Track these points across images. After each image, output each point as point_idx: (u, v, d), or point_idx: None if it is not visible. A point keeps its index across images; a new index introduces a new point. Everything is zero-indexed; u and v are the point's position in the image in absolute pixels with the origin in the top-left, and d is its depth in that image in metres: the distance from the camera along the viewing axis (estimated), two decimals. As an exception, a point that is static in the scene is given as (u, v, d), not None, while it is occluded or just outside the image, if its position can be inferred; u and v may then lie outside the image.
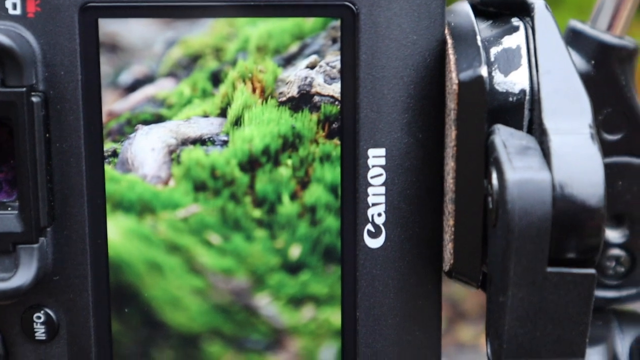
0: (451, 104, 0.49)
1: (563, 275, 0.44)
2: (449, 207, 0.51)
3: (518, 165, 0.44)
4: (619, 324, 0.60)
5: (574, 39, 0.59)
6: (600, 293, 0.60)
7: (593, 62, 0.58)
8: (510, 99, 0.49)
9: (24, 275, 0.51)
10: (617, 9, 0.59)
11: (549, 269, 0.44)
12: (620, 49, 0.58)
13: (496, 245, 0.45)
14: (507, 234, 0.43)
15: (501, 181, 0.44)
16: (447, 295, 1.32)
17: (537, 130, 0.47)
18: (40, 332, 0.54)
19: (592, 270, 0.44)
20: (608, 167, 0.58)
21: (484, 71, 0.48)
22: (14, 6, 0.51)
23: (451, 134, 0.50)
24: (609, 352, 0.59)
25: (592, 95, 0.58)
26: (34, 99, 0.50)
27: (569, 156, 0.44)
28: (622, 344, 0.59)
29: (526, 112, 0.49)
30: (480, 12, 0.54)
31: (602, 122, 0.59)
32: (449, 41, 0.50)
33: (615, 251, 0.60)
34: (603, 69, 0.58)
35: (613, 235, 0.60)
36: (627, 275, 0.61)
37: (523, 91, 0.49)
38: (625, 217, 0.60)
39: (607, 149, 0.59)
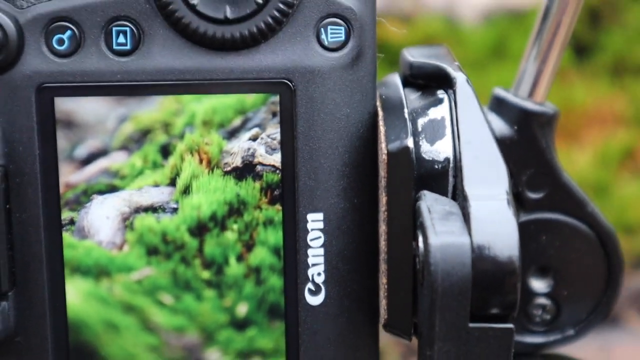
0: (382, 172, 0.51)
1: (484, 330, 0.46)
2: (382, 267, 0.52)
3: (440, 230, 0.46)
4: (542, 367, 0.63)
5: (498, 106, 0.60)
6: (529, 339, 0.62)
7: (516, 127, 0.60)
8: (436, 166, 0.51)
9: None
10: (537, 77, 0.61)
11: (471, 325, 0.46)
12: (540, 114, 0.60)
13: (423, 303, 0.47)
14: (432, 293, 0.45)
15: (425, 245, 0.46)
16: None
17: (460, 196, 0.49)
18: None
19: (510, 325, 0.47)
20: (532, 223, 0.62)
21: (410, 142, 0.50)
22: None
23: (382, 199, 0.51)
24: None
25: (516, 157, 0.61)
26: None
27: (486, 221, 0.46)
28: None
29: (450, 179, 0.51)
30: (409, 83, 0.56)
31: (525, 182, 0.60)
32: (380, 113, 0.53)
33: (542, 300, 0.62)
34: (525, 134, 0.60)
35: (539, 285, 0.62)
36: (552, 322, 0.62)
37: (447, 159, 0.51)
38: (550, 268, 0.61)
39: (531, 206, 0.61)
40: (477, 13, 1.39)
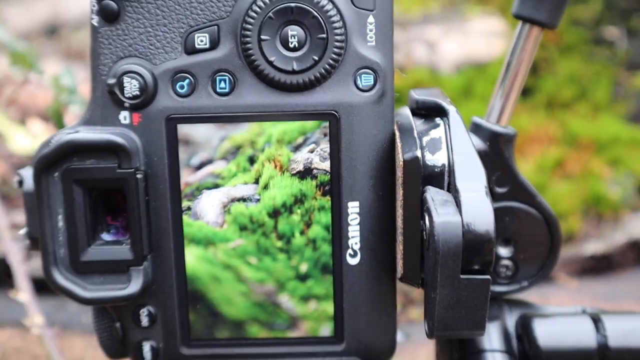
0: (399, 173, 0.53)
1: (470, 280, 0.48)
2: (399, 238, 0.54)
3: (441, 212, 0.48)
4: (508, 307, 0.64)
5: (476, 129, 0.62)
6: (496, 288, 0.64)
7: (488, 143, 0.61)
8: (436, 169, 0.52)
9: (133, 287, 0.54)
10: (502, 109, 0.63)
11: (462, 276, 0.48)
12: (504, 135, 0.61)
13: (429, 262, 0.49)
14: (435, 255, 0.47)
15: (431, 222, 0.48)
16: (402, 289, 1.34)
17: (453, 190, 0.51)
18: (144, 321, 0.57)
19: (488, 276, 0.48)
20: (499, 209, 0.63)
21: (418, 153, 0.52)
22: (125, 118, 0.54)
23: (400, 192, 0.53)
24: (502, 325, 0.62)
25: (487, 164, 0.61)
26: (138, 176, 0.53)
27: (472, 206, 0.48)
28: (510, 320, 0.62)
29: (446, 178, 0.52)
30: (416, 113, 0.57)
31: (494, 181, 0.62)
32: (397, 133, 0.54)
33: (505, 262, 0.63)
34: (494, 148, 0.61)
35: (503, 251, 0.63)
36: (512, 277, 0.64)
37: (444, 165, 0.52)
38: (511, 240, 0.63)
39: (498, 197, 0.62)
40: (451, 65, 1.40)
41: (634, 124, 1.27)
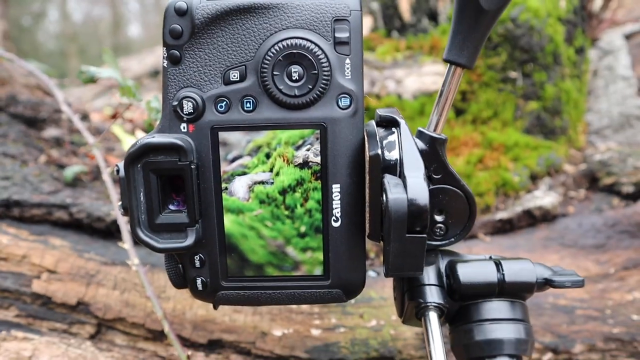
0: (367, 165, 0.51)
1: (413, 238, 0.47)
2: (367, 209, 0.53)
3: (393, 191, 0.46)
4: (441, 255, 0.62)
5: (420, 135, 0.59)
6: (433, 243, 0.62)
7: (428, 145, 0.59)
8: (391, 162, 0.51)
9: (189, 241, 0.53)
10: (437, 121, 0.61)
11: (407, 235, 0.46)
12: (439, 139, 0.59)
13: (385, 225, 0.47)
14: (389, 221, 0.46)
15: (386, 198, 0.46)
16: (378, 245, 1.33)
17: (402, 177, 0.49)
18: (197, 263, 0.56)
19: (424, 235, 0.47)
20: (436, 189, 0.61)
21: (379, 151, 0.50)
22: (184, 127, 0.53)
23: (367, 178, 0.52)
24: (436, 268, 0.60)
25: (427, 159, 0.60)
26: (192, 166, 0.52)
27: (414, 187, 0.47)
28: (442, 264, 0.61)
29: (398, 169, 0.51)
30: (379, 124, 0.55)
31: (432, 170, 0.60)
32: (366, 138, 0.52)
33: (439, 225, 0.61)
34: (432, 148, 0.59)
35: (438, 218, 0.61)
36: (444, 235, 0.62)
37: (396, 159, 0.51)
38: (443, 210, 0.61)
39: (434, 182, 0.60)
40: (410, 94, 1.38)
41: (528, 134, 1.25)
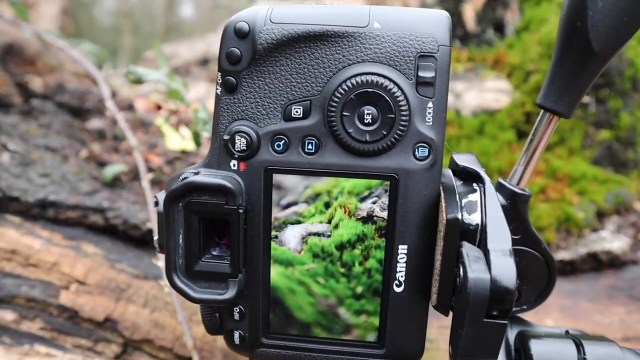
0: (442, 228, 0.44)
1: (491, 323, 0.39)
2: (436, 277, 0.45)
3: (474, 268, 0.39)
4: (510, 324, 0.54)
5: (500, 187, 0.53)
6: (504, 310, 0.55)
7: (508, 200, 0.52)
8: (471, 227, 0.43)
9: (229, 294, 0.47)
10: (522, 174, 0.53)
11: (485, 320, 0.39)
12: (522, 195, 0.52)
13: (459, 304, 0.40)
14: (466, 302, 0.39)
15: (465, 275, 0.39)
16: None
17: (483, 247, 0.41)
18: (236, 316, 0.49)
19: (505, 322, 0.40)
20: (515, 251, 0.53)
21: (459, 215, 0.43)
22: (234, 165, 0.46)
23: (440, 243, 0.44)
24: (505, 339, 0.53)
25: (507, 217, 0.52)
26: (240, 211, 0.45)
27: (499, 265, 0.39)
28: (511, 334, 0.53)
29: (478, 235, 0.43)
30: (456, 173, 0.48)
31: (511, 230, 0.52)
32: (442, 194, 0.45)
33: (513, 291, 0.54)
34: (513, 205, 0.52)
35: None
36: (516, 301, 0.55)
37: (477, 225, 0.43)
38: (519, 274, 0.54)
39: (514, 242, 0.53)
40: (470, 110, 1.29)
41: (596, 165, 1.14)
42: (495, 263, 0.40)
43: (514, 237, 0.52)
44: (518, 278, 0.53)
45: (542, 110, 0.52)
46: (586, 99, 1.20)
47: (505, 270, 0.39)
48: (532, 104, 1.24)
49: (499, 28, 1.47)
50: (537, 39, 1.30)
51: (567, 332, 0.54)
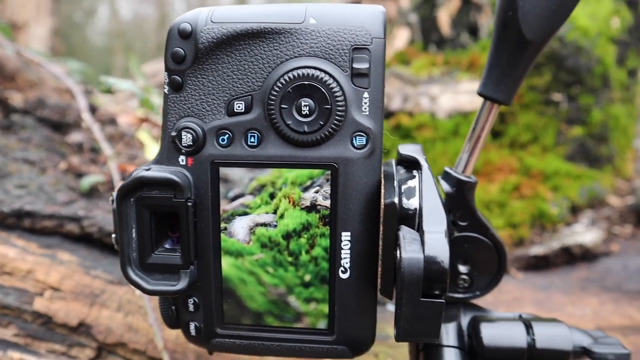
0: (381, 213, 0.45)
1: (428, 302, 0.41)
2: (379, 262, 0.47)
3: (408, 249, 0.41)
4: (463, 310, 0.56)
5: (446, 176, 0.54)
6: (456, 295, 0.56)
7: (454, 188, 0.53)
8: (410, 212, 0.45)
9: (181, 284, 0.48)
10: (467, 162, 0.55)
11: (422, 299, 0.40)
12: (467, 182, 0.54)
13: (398, 285, 0.41)
14: (401, 282, 0.40)
15: (400, 256, 0.40)
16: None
17: (420, 230, 0.43)
18: (191, 307, 0.51)
19: (442, 300, 0.41)
20: (461, 237, 0.54)
21: (396, 200, 0.44)
22: (182, 160, 0.48)
23: (381, 228, 0.46)
24: (458, 324, 0.54)
25: (453, 203, 0.53)
26: (189, 204, 0.47)
27: (432, 245, 0.41)
28: (464, 320, 0.55)
29: (417, 219, 0.45)
30: (400, 162, 0.50)
31: (458, 216, 0.54)
32: (382, 181, 0.47)
33: (463, 276, 0.55)
34: (459, 192, 0.53)
35: (462, 269, 0.55)
36: (468, 288, 0.56)
37: (415, 209, 0.45)
38: (468, 261, 0.55)
39: (460, 229, 0.54)
40: (445, 112, 1.31)
41: (570, 162, 1.16)
42: (429, 244, 0.41)
43: (461, 223, 0.54)
44: (468, 264, 0.55)
45: (482, 99, 0.53)
46: (558, 96, 1.22)
47: (438, 250, 0.41)
48: (505, 103, 1.26)
49: (473, 31, 1.49)
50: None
51: (520, 316, 0.55)
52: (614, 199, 1.16)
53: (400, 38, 1.59)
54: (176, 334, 0.78)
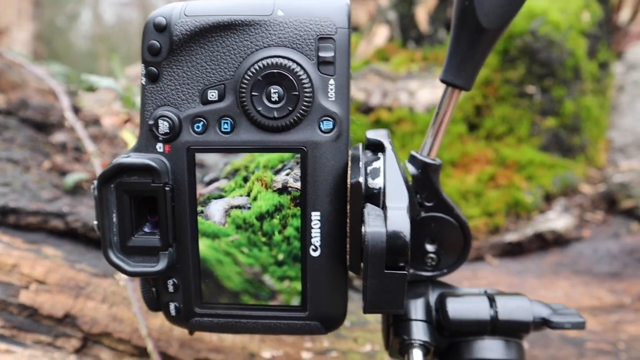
0: (348, 193, 0.48)
1: (392, 274, 0.44)
2: (348, 239, 0.50)
3: (371, 224, 0.43)
4: (432, 287, 0.59)
5: (412, 159, 0.57)
6: (424, 273, 0.59)
7: (420, 170, 0.56)
8: (375, 191, 0.48)
9: (160, 265, 0.50)
10: (432, 146, 0.58)
11: (386, 271, 0.43)
12: (432, 165, 0.56)
13: (363, 259, 0.44)
14: (366, 256, 0.43)
15: (365, 231, 0.43)
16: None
17: (383, 207, 0.46)
18: (170, 288, 0.53)
19: (405, 272, 0.44)
20: (427, 217, 0.57)
21: (361, 179, 0.47)
22: (160, 147, 0.50)
23: (348, 206, 0.49)
24: (426, 300, 0.57)
25: (419, 185, 0.56)
26: (166, 189, 0.50)
27: (394, 220, 0.44)
28: (432, 296, 0.58)
29: (381, 198, 0.48)
30: (368, 146, 0.53)
31: (424, 197, 0.57)
32: (349, 163, 0.49)
33: (431, 255, 0.58)
34: (424, 174, 0.56)
35: (430, 248, 0.58)
36: (436, 266, 0.59)
37: (380, 188, 0.48)
38: (435, 240, 0.58)
39: (426, 209, 0.57)
40: (423, 107, 1.34)
41: (543, 152, 1.20)
42: (391, 219, 0.44)
43: (427, 203, 0.57)
44: (435, 243, 0.58)
45: (445, 85, 0.57)
46: (531, 89, 1.26)
47: (400, 224, 0.44)
48: (481, 97, 1.30)
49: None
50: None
51: (485, 291, 0.58)
52: (586, 187, 1.20)
53: (380, 35, 1.63)
54: (160, 322, 0.81)
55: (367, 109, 1.38)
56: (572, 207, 1.13)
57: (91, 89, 0.87)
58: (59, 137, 1.27)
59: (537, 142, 1.23)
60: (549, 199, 1.16)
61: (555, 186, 1.17)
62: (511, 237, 1.05)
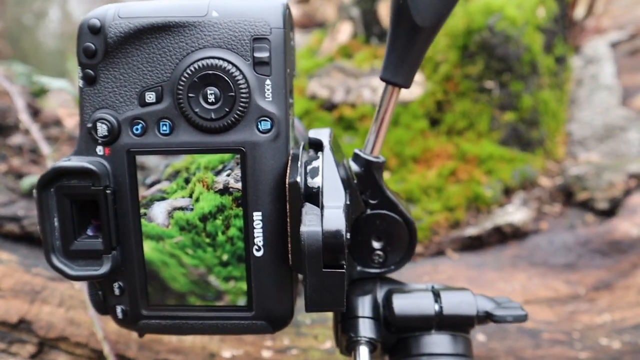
0: (287, 193, 0.49)
1: (330, 273, 0.44)
2: (289, 238, 0.50)
3: (308, 223, 0.44)
4: (380, 284, 0.59)
5: (355, 157, 0.57)
6: (371, 270, 0.59)
7: (363, 168, 0.57)
8: (314, 190, 0.48)
9: (104, 269, 0.51)
10: (374, 143, 0.58)
11: (324, 270, 0.44)
12: (375, 162, 0.57)
13: (302, 258, 0.45)
14: (304, 255, 0.44)
15: (301, 231, 0.44)
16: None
17: (321, 206, 0.47)
18: (116, 291, 0.53)
19: (343, 270, 0.44)
20: (372, 215, 0.58)
21: (299, 179, 0.48)
22: (100, 150, 0.50)
23: (288, 206, 0.49)
24: (373, 297, 0.58)
25: (363, 183, 0.57)
26: (107, 191, 0.50)
27: (330, 219, 0.44)
28: (380, 293, 0.58)
29: (320, 197, 0.48)
30: (310, 145, 0.53)
31: (368, 195, 0.58)
32: (289, 162, 0.50)
33: (377, 252, 0.59)
34: (368, 172, 0.57)
35: (376, 245, 0.59)
36: (383, 263, 0.59)
37: (319, 187, 0.48)
38: (381, 237, 0.59)
39: (371, 207, 0.57)
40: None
41: (503, 146, 1.22)
42: (327, 217, 0.45)
43: (371, 201, 0.58)
44: (381, 240, 0.59)
45: (385, 84, 0.57)
46: (490, 84, 1.28)
47: (335, 223, 0.45)
48: (442, 92, 1.31)
49: (413, 24, 1.54)
50: (444, 31, 1.38)
51: (432, 287, 0.59)
52: (544, 180, 1.23)
53: (344, 32, 1.64)
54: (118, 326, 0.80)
55: (330, 106, 1.38)
56: (531, 200, 1.15)
57: (42, 91, 0.86)
58: (15, 139, 1.25)
59: (497, 136, 1.25)
60: (508, 192, 1.18)
61: (515, 180, 1.19)
62: (471, 231, 1.07)
